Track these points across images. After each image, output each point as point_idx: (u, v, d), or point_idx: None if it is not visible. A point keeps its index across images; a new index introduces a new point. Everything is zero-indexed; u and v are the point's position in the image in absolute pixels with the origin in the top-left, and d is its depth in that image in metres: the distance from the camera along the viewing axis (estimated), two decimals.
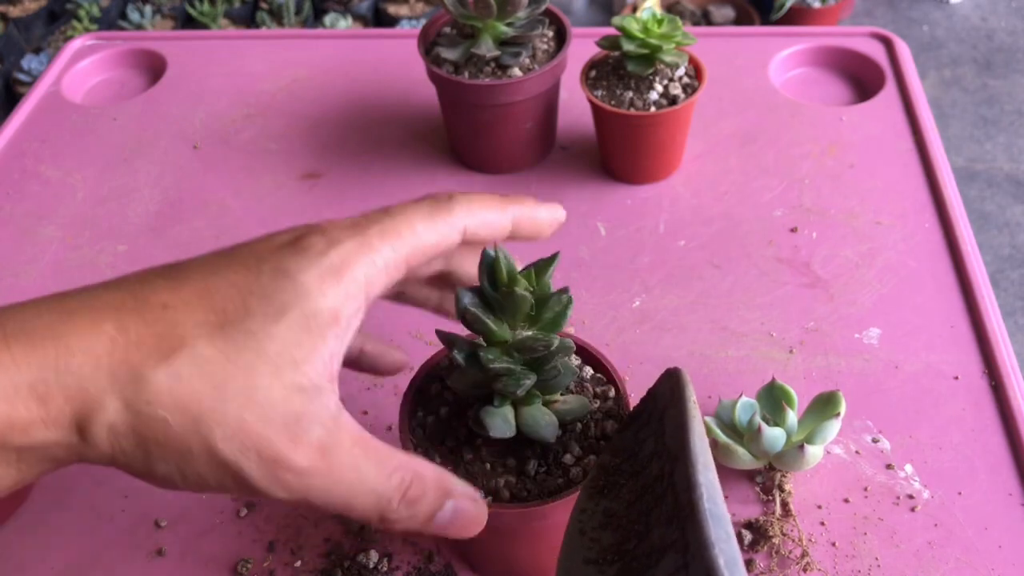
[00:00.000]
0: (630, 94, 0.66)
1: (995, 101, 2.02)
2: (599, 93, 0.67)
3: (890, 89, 0.77)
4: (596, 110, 0.67)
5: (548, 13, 0.69)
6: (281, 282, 0.31)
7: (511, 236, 0.39)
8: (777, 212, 0.67)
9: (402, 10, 2.24)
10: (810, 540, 0.49)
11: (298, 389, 0.30)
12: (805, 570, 0.47)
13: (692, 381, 0.56)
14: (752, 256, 0.64)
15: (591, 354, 0.44)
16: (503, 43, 0.66)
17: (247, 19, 2.19)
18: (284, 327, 0.31)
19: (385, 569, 0.48)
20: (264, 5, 2.21)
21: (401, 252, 0.34)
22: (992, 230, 1.74)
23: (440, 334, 0.39)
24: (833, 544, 0.49)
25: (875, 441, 0.53)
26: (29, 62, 2.01)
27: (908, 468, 0.51)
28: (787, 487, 0.50)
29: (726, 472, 0.51)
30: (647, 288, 0.63)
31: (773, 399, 0.51)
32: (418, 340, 0.60)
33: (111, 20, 2.16)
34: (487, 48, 0.65)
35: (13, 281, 0.67)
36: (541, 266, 0.37)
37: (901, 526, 0.49)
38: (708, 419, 0.51)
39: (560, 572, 0.33)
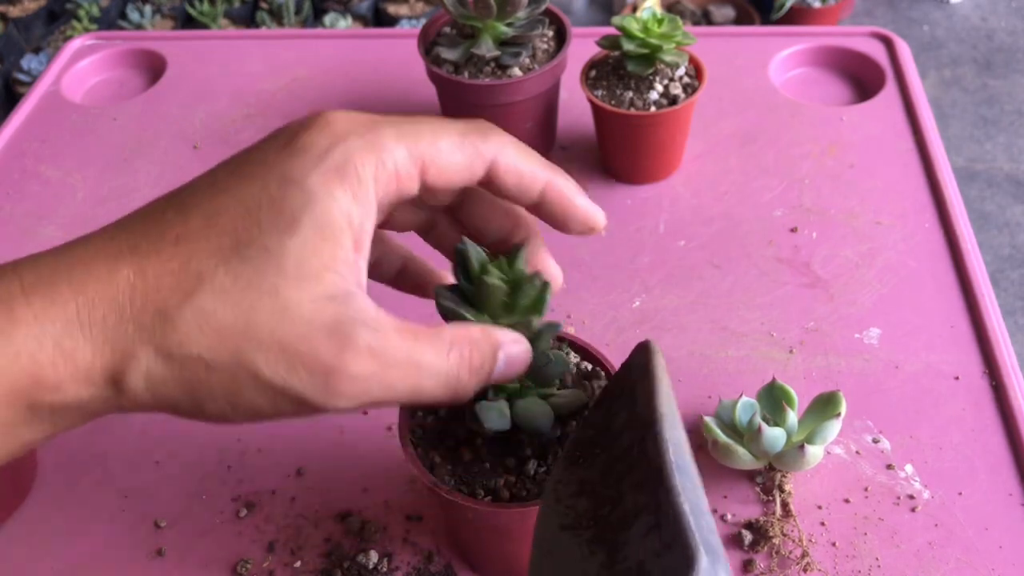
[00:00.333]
0: (630, 94, 0.66)
1: (995, 101, 2.02)
2: (599, 93, 0.67)
3: (890, 89, 0.77)
4: (596, 110, 0.67)
5: (548, 13, 0.69)
6: (288, 189, 0.30)
7: (536, 207, 0.36)
8: (777, 212, 0.67)
9: (402, 10, 2.24)
10: (810, 540, 0.49)
11: (328, 298, 0.29)
12: (805, 570, 0.47)
13: (692, 381, 0.56)
14: (752, 256, 0.64)
15: (591, 354, 0.44)
16: (503, 43, 0.66)
17: (247, 19, 2.19)
18: (299, 239, 0.29)
19: (385, 569, 0.48)
20: (264, 5, 2.21)
21: (417, 158, 0.32)
22: (992, 230, 1.74)
23: None
24: (833, 544, 0.49)
25: (875, 441, 0.53)
26: (29, 62, 2.01)
27: (908, 468, 0.51)
28: (787, 487, 0.50)
29: (726, 472, 0.51)
30: (647, 288, 0.63)
31: (773, 399, 0.51)
32: None
33: (111, 20, 2.16)
34: (487, 48, 0.65)
35: None
36: (512, 253, 0.37)
37: (901, 526, 0.49)
38: (708, 419, 0.51)
39: (536, 539, 0.34)
